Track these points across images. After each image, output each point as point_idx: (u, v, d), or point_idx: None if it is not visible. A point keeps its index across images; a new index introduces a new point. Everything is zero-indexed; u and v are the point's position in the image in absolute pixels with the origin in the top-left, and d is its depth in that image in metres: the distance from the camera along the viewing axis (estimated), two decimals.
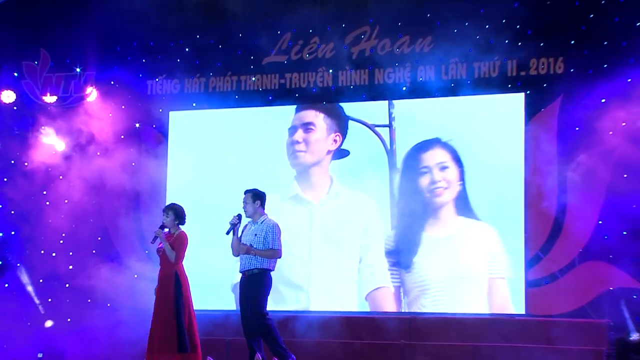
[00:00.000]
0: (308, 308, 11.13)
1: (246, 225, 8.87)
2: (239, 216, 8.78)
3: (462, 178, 10.82)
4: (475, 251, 10.69)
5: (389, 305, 10.95)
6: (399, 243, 10.96)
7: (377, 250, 11.06)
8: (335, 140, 11.36)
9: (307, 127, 11.47)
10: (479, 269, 10.64)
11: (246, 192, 8.86)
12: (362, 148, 11.23)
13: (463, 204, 10.78)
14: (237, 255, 8.84)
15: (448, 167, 10.87)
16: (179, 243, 8.76)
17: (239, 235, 8.83)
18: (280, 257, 8.81)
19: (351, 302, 11.08)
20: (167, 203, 11.25)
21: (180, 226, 8.91)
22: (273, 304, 10.54)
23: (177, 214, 8.88)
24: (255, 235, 8.69)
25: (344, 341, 10.52)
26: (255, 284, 8.67)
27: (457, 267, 10.70)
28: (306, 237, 11.29)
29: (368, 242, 11.12)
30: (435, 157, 10.91)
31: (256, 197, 8.80)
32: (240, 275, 8.85)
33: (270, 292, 8.82)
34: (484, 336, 10.18)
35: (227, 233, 8.78)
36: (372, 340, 10.54)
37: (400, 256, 10.92)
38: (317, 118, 11.46)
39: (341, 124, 11.39)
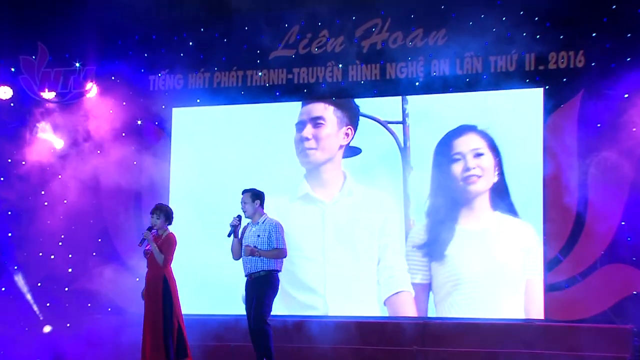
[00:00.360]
0: (327, 314, 11.00)
1: (246, 227, 8.77)
2: (239, 217, 8.71)
3: (499, 169, 10.64)
4: (511, 249, 10.50)
5: (409, 311, 10.79)
6: (430, 234, 10.79)
7: (396, 251, 10.90)
8: (347, 134, 11.22)
9: (316, 121, 11.32)
10: (515, 268, 10.47)
11: (244, 191, 8.77)
12: (374, 146, 11.10)
13: (500, 198, 10.60)
14: (238, 259, 8.74)
15: (483, 154, 10.69)
16: (167, 245, 8.74)
17: (239, 237, 8.73)
18: (285, 257, 8.71)
19: (372, 306, 10.91)
20: (170, 203, 11.32)
21: (168, 227, 8.87)
22: (286, 311, 10.71)
23: (168, 215, 8.87)
24: (258, 236, 8.60)
25: (355, 347, 10.44)
26: (261, 286, 8.57)
27: (492, 264, 10.51)
28: (319, 238, 11.15)
29: (386, 242, 10.95)
30: (469, 143, 10.75)
31: (255, 196, 8.71)
32: (246, 278, 8.72)
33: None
34: (501, 342, 10.07)
35: (229, 235, 8.70)
36: (383, 346, 10.44)
37: (431, 248, 10.75)
38: (327, 111, 11.31)
39: (352, 116, 11.26)
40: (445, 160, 10.79)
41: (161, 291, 8.63)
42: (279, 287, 8.78)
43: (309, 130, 11.29)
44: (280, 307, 10.51)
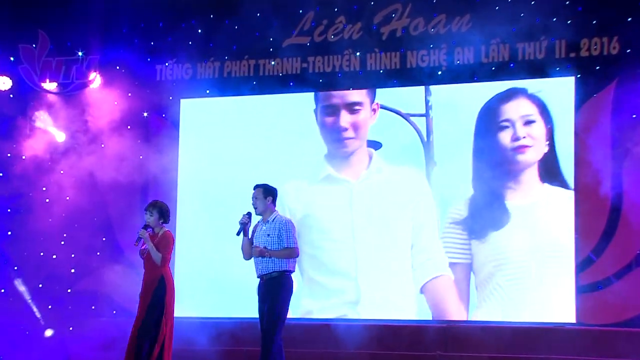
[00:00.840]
0: (358, 299, 10.87)
1: (257, 226, 8.66)
2: (249, 214, 8.60)
3: (550, 137, 10.43)
4: (562, 224, 10.29)
5: (451, 296, 10.59)
6: (471, 209, 10.60)
7: (431, 232, 10.72)
8: (374, 110, 11.12)
9: (353, 107, 11.18)
10: (566, 244, 10.25)
11: (256, 187, 8.65)
12: (395, 140, 10.99)
13: (549, 169, 10.40)
14: (249, 259, 8.64)
15: (534, 121, 10.48)
16: (164, 243, 8.68)
17: (249, 236, 8.63)
18: (297, 256, 8.58)
19: (407, 290, 10.72)
20: (178, 199, 11.53)
21: (164, 225, 8.84)
22: (312, 302, 10.88)
23: (162, 212, 8.82)
24: (268, 235, 8.48)
25: (373, 352, 10.40)
26: (274, 288, 8.43)
27: (540, 241, 10.31)
28: (347, 219, 11.04)
29: (420, 222, 10.78)
30: (519, 109, 10.56)
31: (268, 192, 8.59)
32: (258, 280, 8.61)
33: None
34: (529, 347, 10.03)
35: (238, 234, 8.59)
36: (404, 351, 10.39)
37: (473, 224, 10.57)
38: (361, 94, 11.18)
39: (372, 89, 11.24)
40: (491, 127, 10.61)
41: (154, 291, 8.59)
42: (293, 288, 8.61)
43: (346, 119, 11.14)
44: (306, 295, 10.88)
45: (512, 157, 10.48)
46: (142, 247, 8.73)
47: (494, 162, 10.52)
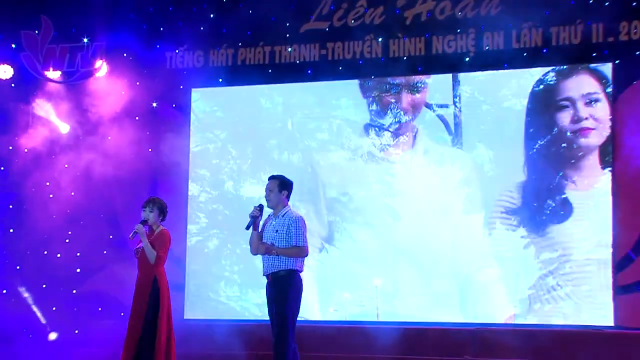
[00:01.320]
0: (395, 292, 10.73)
1: (267, 220, 8.52)
2: (260, 207, 8.45)
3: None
4: None
5: (497, 292, 10.40)
6: (525, 198, 10.40)
7: (477, 221, 10.52)
8: None
9: (418, 87, 11.08)
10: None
11: (271, 178, 8.50)
12: (420, 131, 10.92)
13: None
14: (256, 254, 8.49)
15: (599, 100, 10.24)
16: (160, 242, 8.62)
17: (259, 230, 8.49)
18: (306, 255, 8.40)
19: (450, 283, 10.58)
20: (190, 194, 11.51)
21: (162, 223, 8.80)
22: (343, 294, 10.77)
23: (162, 209, 8.79)
24: (277, 231, 8.32)
25: (395, 356, 10.29)
26: (282, 288, 8.25)
27: (602, 235, 10.05)
28: (387, 202, 10.87)
29: (467, 210, 10.56)
30: (581, 85, 10.37)
31: (283, 186, 8.43)
32: (265, 279, 8.47)
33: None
34: (563, 351, 9.95)
35: (247, 228, 8.45)
36: (429, 356, 10.28)
37: (526, 215, 10.37)
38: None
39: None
40: (547, 106, 10.40)
41: (149, 294, 8.51)
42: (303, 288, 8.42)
43: (407, 100, 11.07)
44: (336, 286, 10.86)
45: (572, 140, 10.25)
46: (137, 246, 8.68)
47: (551, 146, 10.33)
